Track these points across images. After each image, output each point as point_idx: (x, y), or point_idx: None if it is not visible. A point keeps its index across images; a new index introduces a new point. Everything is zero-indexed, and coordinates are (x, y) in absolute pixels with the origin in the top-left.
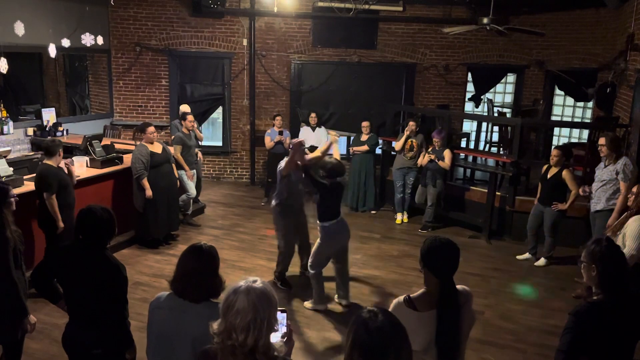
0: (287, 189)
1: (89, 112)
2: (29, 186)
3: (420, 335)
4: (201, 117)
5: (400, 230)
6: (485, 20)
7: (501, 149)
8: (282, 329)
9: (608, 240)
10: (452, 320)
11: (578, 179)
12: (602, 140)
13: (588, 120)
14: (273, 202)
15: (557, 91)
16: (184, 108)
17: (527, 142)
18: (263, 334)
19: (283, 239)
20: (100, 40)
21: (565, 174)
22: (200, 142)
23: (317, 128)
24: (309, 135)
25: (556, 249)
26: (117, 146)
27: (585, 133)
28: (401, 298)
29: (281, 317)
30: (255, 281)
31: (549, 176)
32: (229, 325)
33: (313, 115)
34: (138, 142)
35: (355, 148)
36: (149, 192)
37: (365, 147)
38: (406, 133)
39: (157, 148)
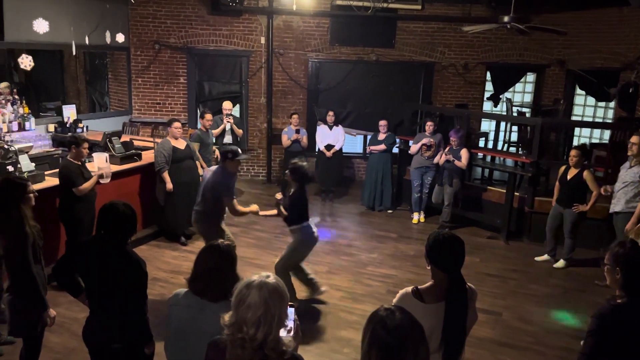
0: None
1: (109, 109)
2: (50, 181)
3: (423, 327)
4: (218, 114)
5: (417, 229)
6: (506, 19)
7: (520, 149)
8: (290, 324)
9: (632, 242)
10: (460, 313)
11: (599, 180)
12: (634, 139)
13: (609, 121)
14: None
15: (578, 91)
16: (227, 104)
17: (547, 143)
18: (273, 329)
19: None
20: (120, 38)
21: (586, 174)
22: (239, 137)
23: (334, 127)
24: (326, 134)
25: (576, 250)
26: (135, 143)
27: (606, 134)
28: (409, 289)
29: (289, 311)
30: (268, 276)
31: (569, 177)
32: (240, 319)
33: (330, 113)
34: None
35: (372, 147)
36: (169, 186)
37: (382, 146)
38: (423, 141)
39: (180, 144)
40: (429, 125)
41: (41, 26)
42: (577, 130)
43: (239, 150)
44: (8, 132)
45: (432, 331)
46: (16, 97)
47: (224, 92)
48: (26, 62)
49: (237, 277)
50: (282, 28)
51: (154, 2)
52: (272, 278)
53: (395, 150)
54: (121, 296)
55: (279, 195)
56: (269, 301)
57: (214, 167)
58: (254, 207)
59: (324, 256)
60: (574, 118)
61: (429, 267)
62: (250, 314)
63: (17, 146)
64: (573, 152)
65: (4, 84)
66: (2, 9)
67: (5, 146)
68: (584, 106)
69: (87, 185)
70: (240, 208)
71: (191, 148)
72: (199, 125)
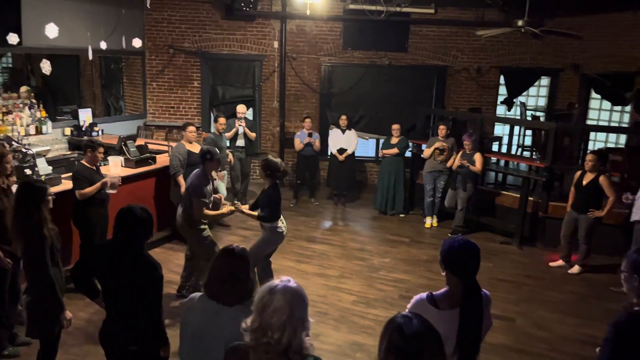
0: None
1: (123, 113)
2: (66, 185)
3: None
4: (232, 118)
5: (429, 234)
6: (520, 23)
7: (534, 153)
8: None
9: None
10: (475, 319)
11: (615, 186)
12: None
13: (625, 125)
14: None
15: (593, 95)
16: (240, 108)
17: (562, 147)
18: (297, 333)
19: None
20: (137, 42)
21: (602, 180)
22: (252, 140)
23: (347, 130)
24: (338, 138)
25: (591, 256)
26: (150, 146)
27: (622, 138)
28: (423, 295)
29: None
30: (289, 281)
31: (584, 183)
32: (265, 324)
33: (343, 117)
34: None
35: (385, 151)
36: (183, 189)
37: (395, 150)
38: (436, 145)
39: (195, 148)
40: (442, 129)
41: (52, 31)
42: (592, 135)
43: (217, 150)
44: (25, 135)
45: (447, 337)
46: (33, 101)
47: (237, 96)
48: (46, 66)
49: (252, 281)
50: (295, 32)
51: (168, 7)
52: (292, 282)
53: (408, 154)
54: (137, 299)
55: (232, 207)
56: (293, 305)
57: (196, 171)
58: (226, 209)
59: (336, 260)
60: (589, 122)
61: (443, 273)
62: (276, 319)
63: (34, 149)
64: (589, 157)
65: (24, 88)
66: (20, 15)
67: (23, 149)
68: (600, 110)
69: (88, 190)
70: (208, 212)
71: None
72: (213, 129)
